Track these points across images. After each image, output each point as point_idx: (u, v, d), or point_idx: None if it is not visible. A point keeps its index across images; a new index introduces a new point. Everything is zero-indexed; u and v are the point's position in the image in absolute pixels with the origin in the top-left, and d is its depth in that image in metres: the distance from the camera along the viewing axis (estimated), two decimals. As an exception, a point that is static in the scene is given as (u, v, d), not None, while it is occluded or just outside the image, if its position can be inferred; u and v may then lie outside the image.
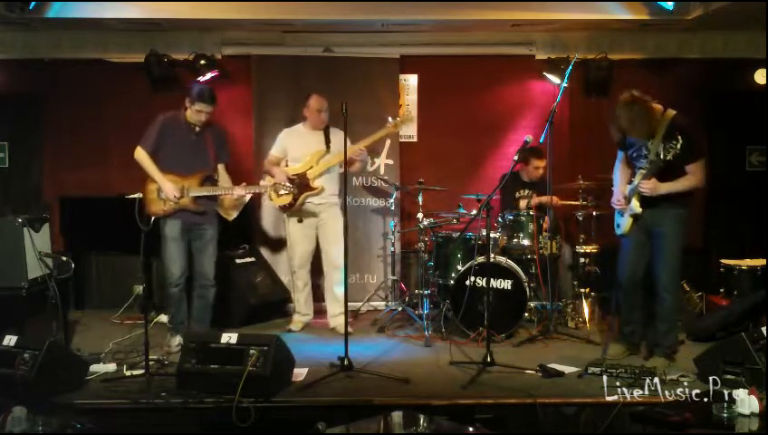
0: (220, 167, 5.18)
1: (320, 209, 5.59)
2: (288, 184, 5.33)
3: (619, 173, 4.76)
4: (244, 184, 5.21)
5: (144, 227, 4.49)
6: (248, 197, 5.99)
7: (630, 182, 4.62)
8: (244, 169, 6.23)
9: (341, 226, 5.53)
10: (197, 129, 5.01)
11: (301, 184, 5.47)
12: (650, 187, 4.38)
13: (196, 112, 4.95)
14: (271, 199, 5.67)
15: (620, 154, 4.77)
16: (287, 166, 5.63)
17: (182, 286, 5.04)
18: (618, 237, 4.79)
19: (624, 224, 4.64)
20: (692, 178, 4.41)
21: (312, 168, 5.52)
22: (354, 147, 5.44)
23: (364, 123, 5.88)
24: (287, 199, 5.49)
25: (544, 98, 6.75)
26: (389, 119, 5.68)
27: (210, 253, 5.10)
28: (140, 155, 4.97)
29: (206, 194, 5.03)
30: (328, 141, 5.58)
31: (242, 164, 6.48)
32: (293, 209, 5.54)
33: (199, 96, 4.93)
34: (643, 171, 4.47)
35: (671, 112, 4.44)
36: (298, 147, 5.61)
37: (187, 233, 5.04)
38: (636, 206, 4.51)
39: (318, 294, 5.96)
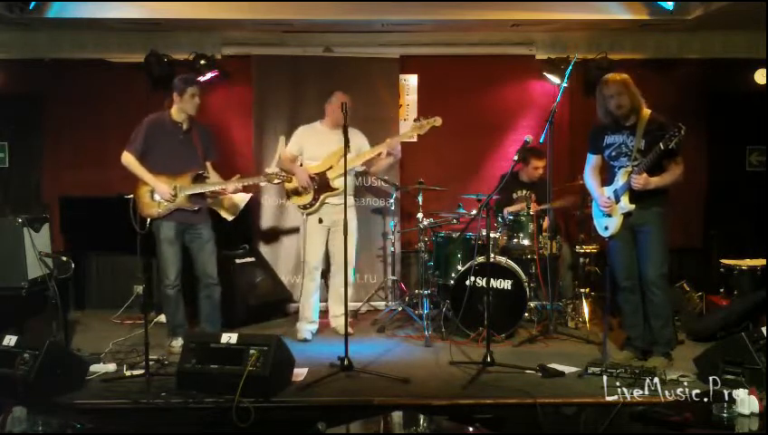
0: (208, 164, 5.17)
1: (338, 210, 5.43)
2: (309, 183, 5.32)
3: (592, 179, 4.82)
4: (238, 176, 5.18)
5: (139, 229, 4.49)
6: (248, 197, 6.01)
7: (608, 183, 4.68)
8: (244, 170, 6.20)
9: (355, 225, 5.50)
10: (185, 127, 5.02)
11: (321, 183, 5.40)
12: (642, 181, 4.41)
13: (190, 98, 4.95)
14: (289, 198, 5.60)
15: (591, 159, 4.82)
16: (301, 164, 5.53)
17: (178, 288, 5.02)
18: (606, 240, 4.82)
19: (614, 225, 4.66)
20: (676, 171, 4.48)
21: (331, 167, 5.42)
22: (393, 140, 5.51)
23: (364, 123, 5.86)
24: (307, 199, 5.43)
25: (544, 98, 6.76)
26: (420, 118, 5.53)
27: (209, 251, 5.09)
28: (128, 159, 4.94)
29: (199, 191, 5.02)
30: (347, 141, 5.50)
31: (242, 164, 6.47)
32: (313, 209, 5.44)
33: (189, 81, 4.99)
34: (628, 169, 4.51)
35: (648, 110, 4.54)
36: (316, 145, 5.50)
37: (182, 235, 5.03)
38: (627, 203, 4.53)
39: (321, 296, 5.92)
